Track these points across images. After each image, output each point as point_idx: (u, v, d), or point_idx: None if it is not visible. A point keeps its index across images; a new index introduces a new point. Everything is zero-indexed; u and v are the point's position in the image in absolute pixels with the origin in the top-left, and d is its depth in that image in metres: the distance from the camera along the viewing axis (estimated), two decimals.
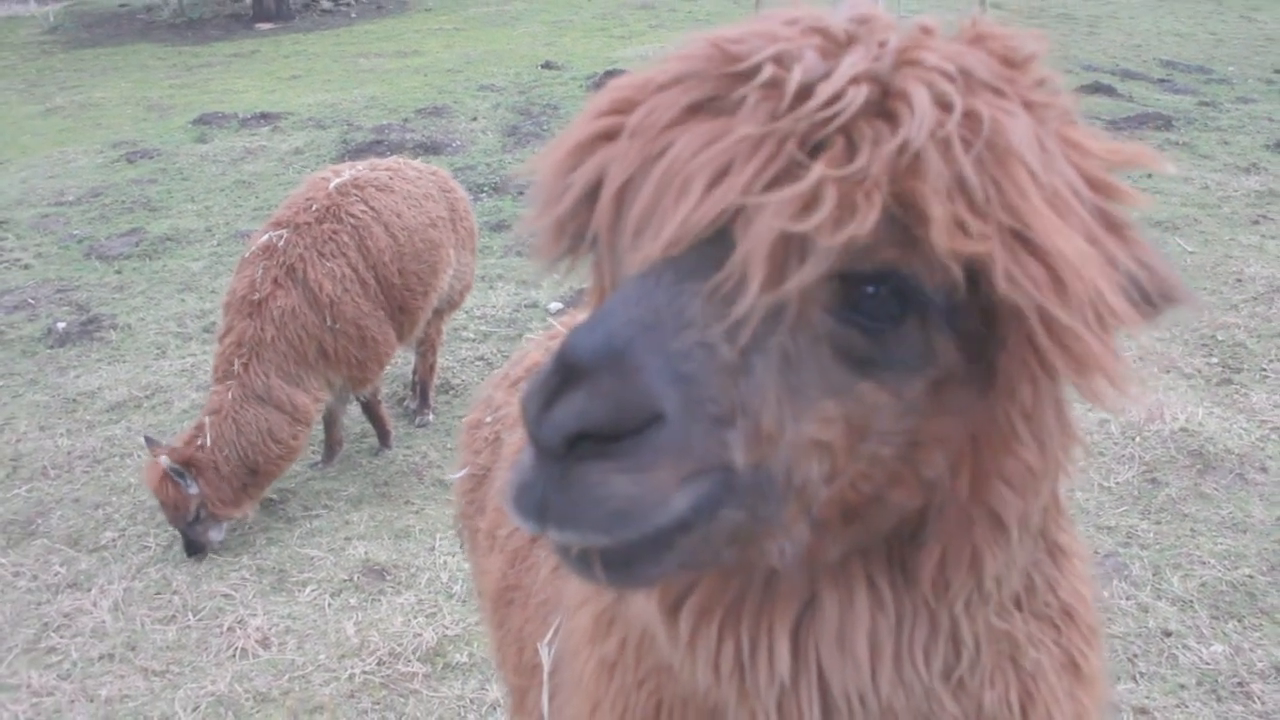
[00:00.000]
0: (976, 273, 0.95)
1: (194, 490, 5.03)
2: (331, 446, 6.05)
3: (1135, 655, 3.98)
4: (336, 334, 5.42)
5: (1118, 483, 5.09)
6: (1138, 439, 5.39)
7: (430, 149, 11.15)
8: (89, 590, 4.86)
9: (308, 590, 4.81)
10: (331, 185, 5.62)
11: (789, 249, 0.93)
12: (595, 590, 1.43)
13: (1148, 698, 3.77)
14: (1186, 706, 3.73)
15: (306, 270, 5.34)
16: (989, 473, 1.05)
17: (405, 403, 6.60)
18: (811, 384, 0.99)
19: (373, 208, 5.59)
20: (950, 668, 1.16)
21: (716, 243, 0.96)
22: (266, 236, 5.48)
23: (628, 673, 1.38)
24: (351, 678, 4.21)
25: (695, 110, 1.01)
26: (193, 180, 11.09)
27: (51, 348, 7.45)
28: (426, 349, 6.37)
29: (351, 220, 5.50)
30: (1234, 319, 6.70)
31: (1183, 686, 3.82)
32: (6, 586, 4.94)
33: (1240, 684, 3.81)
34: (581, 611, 1.51)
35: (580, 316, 1.71)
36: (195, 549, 5.10)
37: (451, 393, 6.68)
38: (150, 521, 5.38)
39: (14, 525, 5.42)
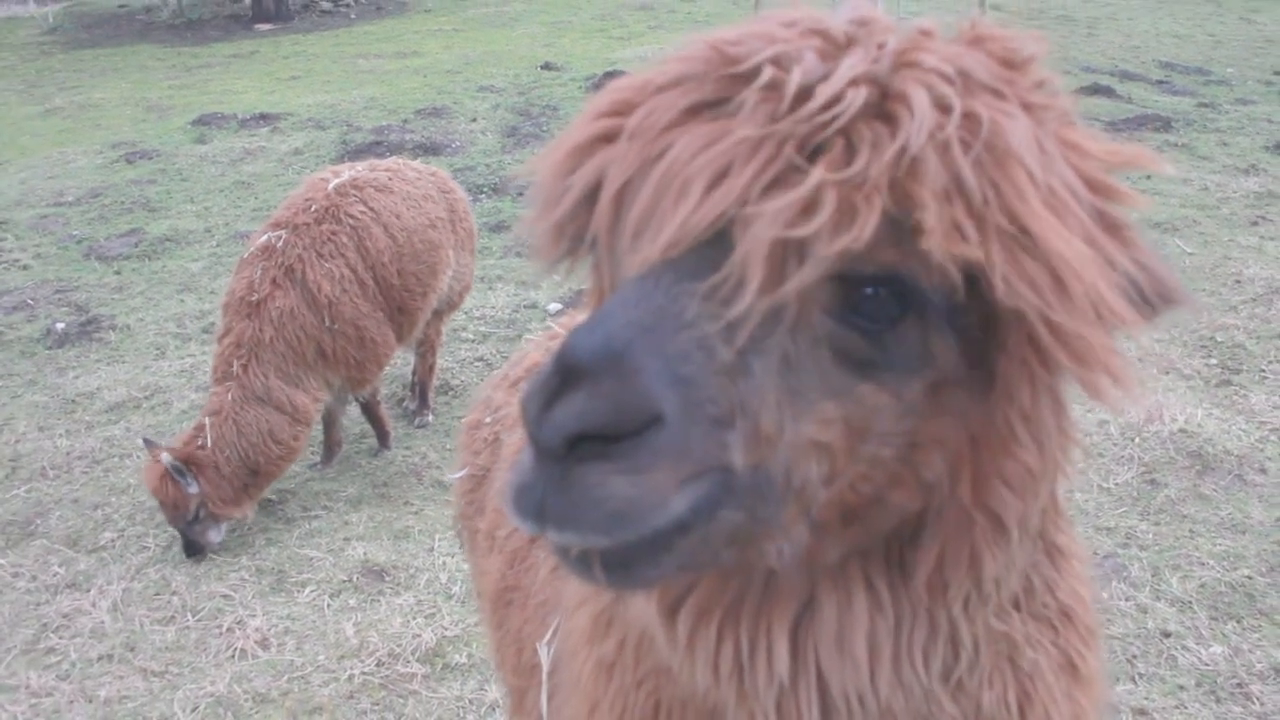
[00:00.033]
0: (975, 275, 0.95)
1: (194, 489, 5.03)
2: (331, 447, 6.04)
3: (1134, 656, 3.98)
4: (335, 335, 5.42)
5: (1117, 484, 5.09)
6: (1137, 440, 5.39)
7: (429, 150, 11.16)
8: (88, 591, 4.86)
9: (307, 591, 4.81)
10: (330, 186, 5.61)
11: (787, 251, 0.94)
12: (594, 591, 1.43)
13: (1147, 699, 3.77)
14: (1185, 707, 3.73)
15: (305, 271, 5.33)
16: (988, 474, 1.05)
17: (404, 403, 6.60)
18: (811, 385, 0.99)
19: (372, 208, 5.58)
20: (949, 669, 1.16)
21: (716, 244, 0.96)
22: (265, 237, 5.48)
23: (626, 673, 1.38)
24: (350, 678, 4.21)
25: (694, 112, 1.01)
26: (192, 181, 11.09)
27: (50, 348, 7.45)
28: (426, 350, 6.37)
29: (350, 221, 5.50)
30: (1233, 320, 6.70)
31: (1182, 687, 3.82)
32: (5, 587, 4.94)
33: (1239, 685, 3.81)
34: (580, 612, 1.51)
35: (579, 318, 1.71)
36: (194, 550, 5.09)
37: (451, 393, 6.68)
38: (149, 522, 5.38)
39: (13, 526, 5.42)
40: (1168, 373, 6.08)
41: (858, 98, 0.95)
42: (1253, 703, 3.74)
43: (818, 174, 0.92)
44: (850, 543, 1.10)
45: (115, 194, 10.76)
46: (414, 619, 4.53)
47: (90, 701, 4.16)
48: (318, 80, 16.25)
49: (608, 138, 1.05)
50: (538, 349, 2.67)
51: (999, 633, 1.20)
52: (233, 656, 4.39)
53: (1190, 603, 4.25)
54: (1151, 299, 1.04)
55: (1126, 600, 4.28)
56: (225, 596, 4.81)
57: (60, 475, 5.87)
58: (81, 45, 21.57)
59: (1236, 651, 3.97)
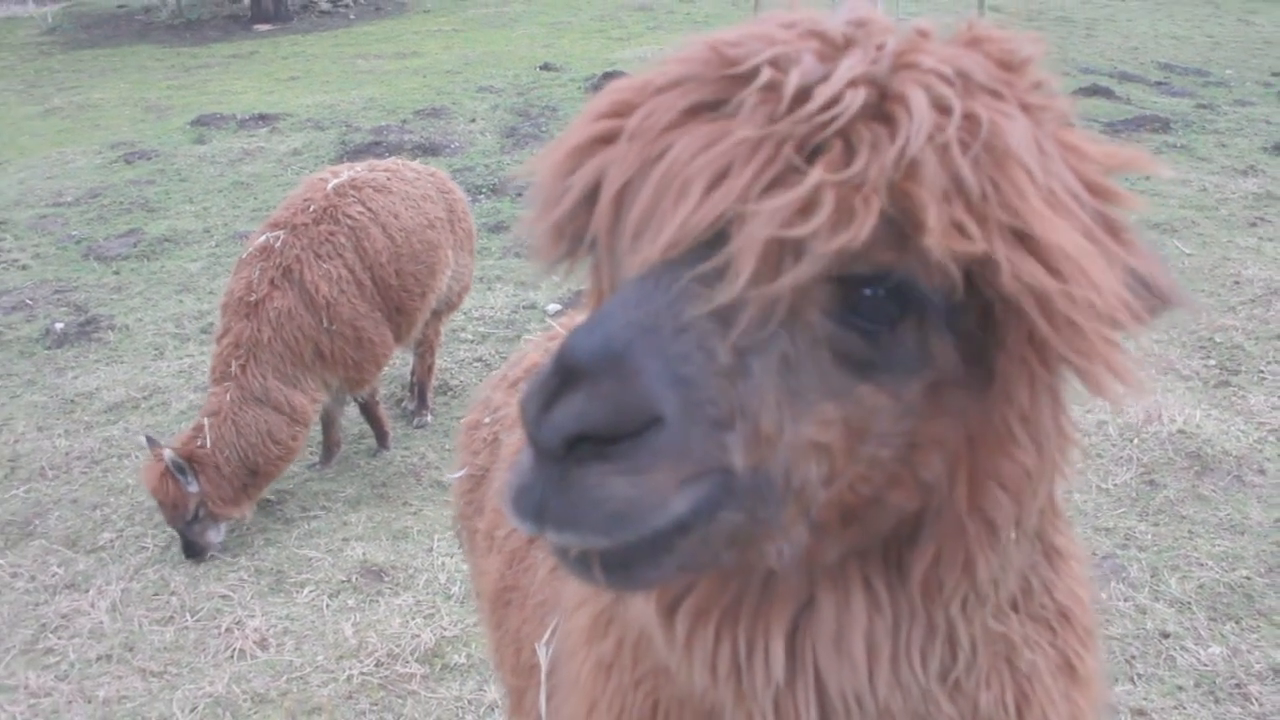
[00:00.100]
0: (975, 273, 0.95)
1: (194, 488, 5.03)
2: (329, 448, 6.04)
3: (1133, 657, 3.98)
4: (333, 335, 5.41)
5: (1115, 484, 5.09)
6: (1135, 441, 5.39)
7: (429, 150, 11.16)
8: (87, 591, 4.86)
9: (306, 591, 4.81)
10: (329, 186, 5.61)
11: (783, 248, 0.94)
12: (593, 591, 1.43)
13: (1145, 699, 3.77)
14: (1184, 708, 3.74)
15: (303, 271, 5.33)
16: (986, 475, 1.05)
17: (403, 404, 6.60)
18: (810, 386, 0.99)
19: (370, 209, 5.58)
20: (946, 669, 1.16)
21: (715, 245, 0.96)
22: (264, 238, 5.48)
23: (625, 673, 1.38)
24: (349, 679, 4.21)
25: (694, 113, 1.01)
26: (191, 181, 11.09)
27: (49, 348, 7.45)
28: (425, 350, 6.37)
29: (349, 221, 5.50)
30: (1232, 321, 6.71)
31: (1180, 688, 3.83)
32: (4, 587, 4.94)
33: (1238, 685, 3.82)
34: (579, 612, 1.51)
35: (579, 318, 1.71)
36: (194, 551, 5.09)
37: (450, 394, 6.68)
38: (148, 522, 5.38)
39: (12, 526, 5.42)
40: (1167, 374, 6.09)
41: (856, 99, 0.95)
42: (1251, 703, 3.74)
43: (816, 174, 0.92)
44: (849, 543, 1.10)
45: (114, 194, 10.76)
46: (413, 619, 4.53)
47: (89, 702, 4.16)
48: (317, 81, 16.26)
49: (607, 139, 1.05)
50: (537, 349, 2.68)
51: (997, 633, 1.20)
52: (231, 657, 4.39)
53: (1189, 603, 4.25)
54: (1150, 300, 1.04)
55: (1125, 601, 4.28)
56: (224, 597, 4.81)
57: (59, 475, 5.87)
58: (80, 45, 21.56)
59: (1235, 652, 3.97)
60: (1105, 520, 4.83)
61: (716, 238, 0.96)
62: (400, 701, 4.08)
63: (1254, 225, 8.50)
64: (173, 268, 8.81)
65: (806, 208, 0.92)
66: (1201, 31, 18.69)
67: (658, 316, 0.95)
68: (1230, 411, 5.68)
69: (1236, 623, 4.14)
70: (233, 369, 5.26)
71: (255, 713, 4.08)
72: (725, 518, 0.98)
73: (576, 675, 1.49)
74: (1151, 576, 4.42)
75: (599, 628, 1.44)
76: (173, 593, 4.85)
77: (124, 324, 7.73)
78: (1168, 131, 11.18)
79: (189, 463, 5.05)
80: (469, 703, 4.05)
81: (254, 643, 4.45)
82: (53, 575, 5.00)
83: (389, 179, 5.80)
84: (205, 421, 5.21)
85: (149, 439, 5.20)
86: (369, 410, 6.04)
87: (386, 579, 4.86)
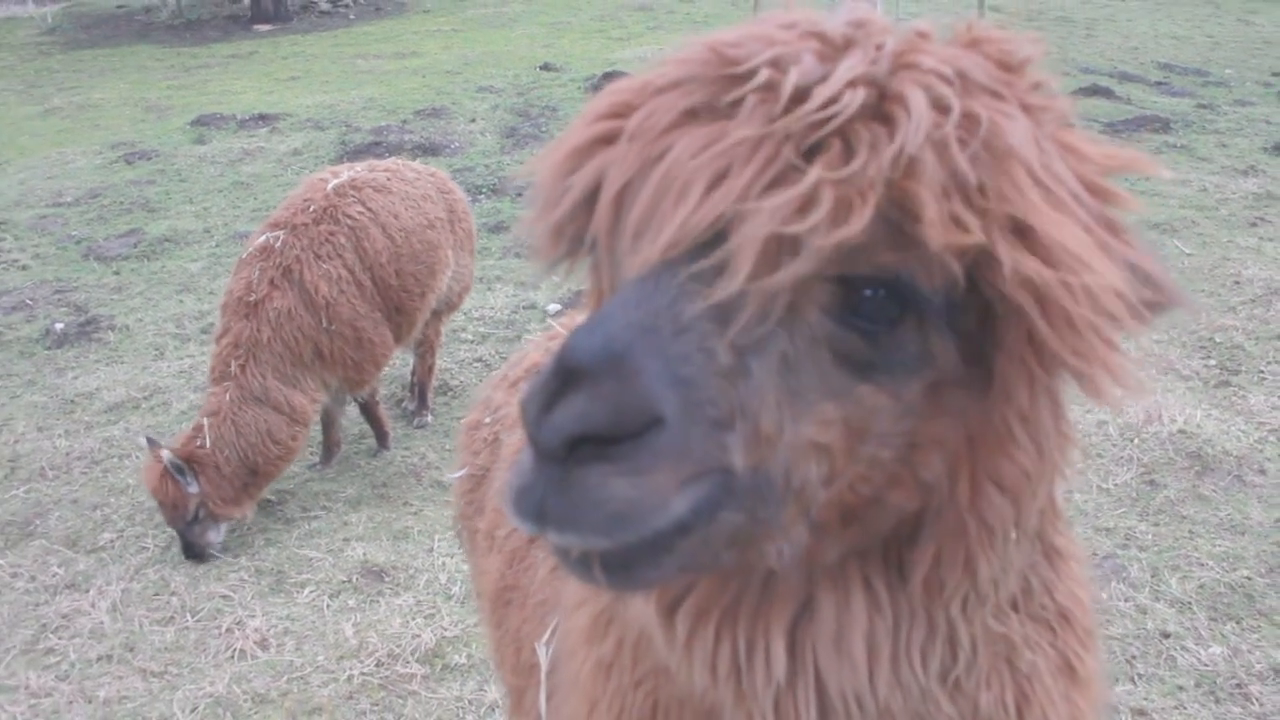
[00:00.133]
0: (975, 270, 0.95)
1: (194, 489, 5.03)
2: (330, 448, 6.05)
3: (1134, 657, 3.98)
4: (332, 335, 5.41)
5: (1116, 485, 5.09)
6: (1136, 441, 5.39)
7: (429, 150, 11.16)
8: (87, 591, 4.86)
9: (306, 591, 4.81)
10: (329, 186, 5.62)
11: (782, 245, 0.94)
12: (593, 591, 1.43)
13: (1146, 699, 3.78)
14: (1185, 708, 3.74)
15: (303, 272, 5.34)
16: (986, 475, 1.05)
17: (404, 404, 6.60)
18: (810, 387, 1.00)
19: (370, 209, 5.58)
20: (946, 669, 1.16)
21: (715, 246, 0.96)
22: (264, 238, 5.48)
23: (625, 673, 1.38)
24: (350, 679, 4.21)
25: (693, 114, 1.01)
26: (191, 181, 11.09)
27: (49, 349, 7.45)
28: (425, 350, 6.37)
29: (349, 221, 5.50)
30: (1232, 321, 6.71)
31: (1181, 688, 3.83)
32: (4, 588, 4.94)
33: (1238, 685, 3.82)
34: (579, 612, 1.51)
35: (579, 318, 1.71)
36: (195, 552, 5.09)
37: (450, 394, 6.68)
38: (148, 523, 5.38)
39: (12, 526, 5.42)
40: (1167, 374, 6.09)
41: (855, 99, 0.95)
42: (1252, 703, 3.74)
43: (815, 172, 0.92)
44: (849, 543, 1.10)
45: (114, 194, 10.76)
46: (413, 619, 4.53)
47: (89, 702, 4.16)
48: (316, 81, 16.26)
49: (607, 139, 1.05)
50: (537, 349, 2.68)
51: (997, 634, 1.20)
52: (232, 657, 4.39)
53: (1189, 603, 4.25)
54: (1150, 297, 1.04)
55: (1126, 601, 4.28)
56: (224, 597, 4.81)
57: (59, 476, 5.87)
58: (80, 45, 21.57)
59: (1236, 652, 3.97)
60: (1105, 520, 4.83)
61: (716, 238, 0.96)
62: (401, 702, 4.08)
63: (1254, 225, 8.50)
64: (173, 268, 8.81)
65: (805, 205, 0.92)
66: (1201, 31, 18.69)
67: (658, 317, 0.95)
68: (1230, 411, 5.68)
69: (1237, 623, 4.14)
70: (232, 369, 5.26)
71: (256, 713, 4.09)
72: (725, 518, 0.98)
73: (576, 675, 1.49)
74: (1152, 576, 4.42)
75: (599, 628, 1.44)
76: (173, 593, 4.85)
77: (124, 324, 7.73)
78: (1168, 131, 11.18)
79: (189, 463, 5.05)
80: (469, 703, 4.05)
81: (254, 643, 4.45)
82: (53, 575, 5.00)
83: (389, 179, 5.81)
84: (205, 421, 5.21)
85: (149, 439, 5.20)
86: (369, 410, 6.04)
87: (387, 579, 4.86)
